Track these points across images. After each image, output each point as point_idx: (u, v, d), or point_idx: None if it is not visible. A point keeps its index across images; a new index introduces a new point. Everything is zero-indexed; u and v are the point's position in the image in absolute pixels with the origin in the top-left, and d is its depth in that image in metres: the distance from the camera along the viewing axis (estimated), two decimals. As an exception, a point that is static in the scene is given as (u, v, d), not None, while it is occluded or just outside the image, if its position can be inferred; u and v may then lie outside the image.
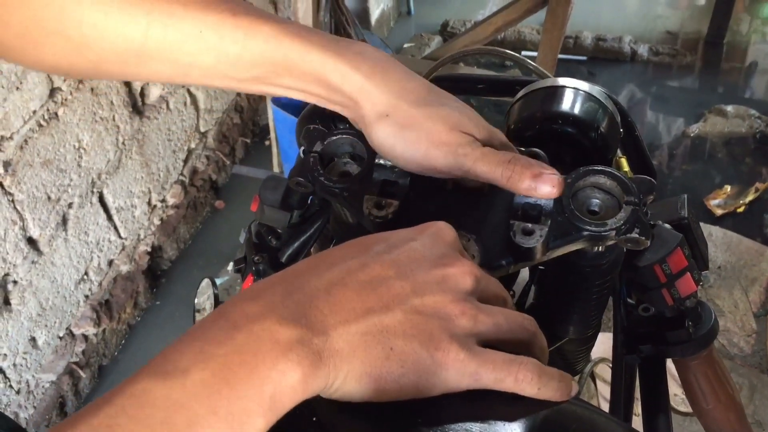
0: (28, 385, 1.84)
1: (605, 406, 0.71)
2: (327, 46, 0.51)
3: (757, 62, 3.61)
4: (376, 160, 0.54)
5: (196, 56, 0.52)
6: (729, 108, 3.10)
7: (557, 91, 0.62)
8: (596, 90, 0.63)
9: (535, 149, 0.53)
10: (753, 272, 2.22)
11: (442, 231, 0.43)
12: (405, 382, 0.36)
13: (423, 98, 0.51)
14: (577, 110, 0.61)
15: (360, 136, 0.55)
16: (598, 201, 0.51)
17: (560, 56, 2.42)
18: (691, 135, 3.04)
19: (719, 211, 2.57)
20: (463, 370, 0.37)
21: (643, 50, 3.61)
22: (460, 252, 0.43)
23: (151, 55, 0.52)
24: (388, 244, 0.41)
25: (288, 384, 0.33)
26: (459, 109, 0.52)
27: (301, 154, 0.56)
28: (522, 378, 0.37)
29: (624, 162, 0.69)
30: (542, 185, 0.48)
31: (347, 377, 0.35)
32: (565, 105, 0.61)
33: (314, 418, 0.35)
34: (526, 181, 0.48)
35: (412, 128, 0.50)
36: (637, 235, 0.47)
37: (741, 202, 2.60)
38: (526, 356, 0.39)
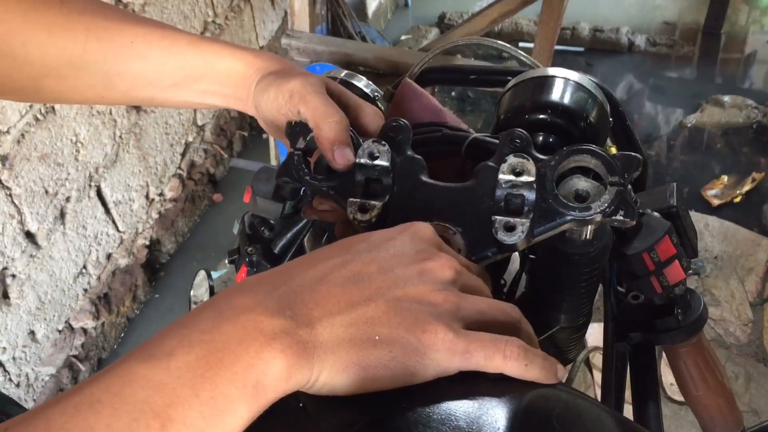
0: (28, 378, 1.85)
1: (600, 395, 0.71)
2: (243, 50, 0.57)
3: (755, 52, 3.60)
4: (358, 160, 0.54)
5: (126, 64, 0.57)
6: (726, 98, 3.10)
7: (546, 81, 0.62)
8: (586, 80, 0.63)
9: (518, 129, 0.53)
10: (749, 262, 2.23)
11: (420, 229, 0.44)
12: (395, 366, 0.36)
13: (288, 69, 0.57)
14: (566, 100, 0.61)
15: None
16: (584, 187, 0.51)
17: (557, 47, 2.42)
18: (689, 126, 3.04)
19: (716, 201, 2.58)
20: (453, 349, 0.37)
21: (640, 41, 3.61)
22: (439, 247, 0.43)
23: (86, 67, 0.57)
24: (370, 243, 0.42)
25: (272, 373, 0.34)
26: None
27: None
28: (509, 354, 0.37)
29: (614, 151, 0.70)
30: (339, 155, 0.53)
31: (333, 368, 0.36)
32: (554, 95, 0.61)
33: (300, 404, 0.36)
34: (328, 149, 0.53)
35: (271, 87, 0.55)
36: (621, 217, 0.48)
37: (738, 192, 2.60)
38: (512, 337, 0.39)
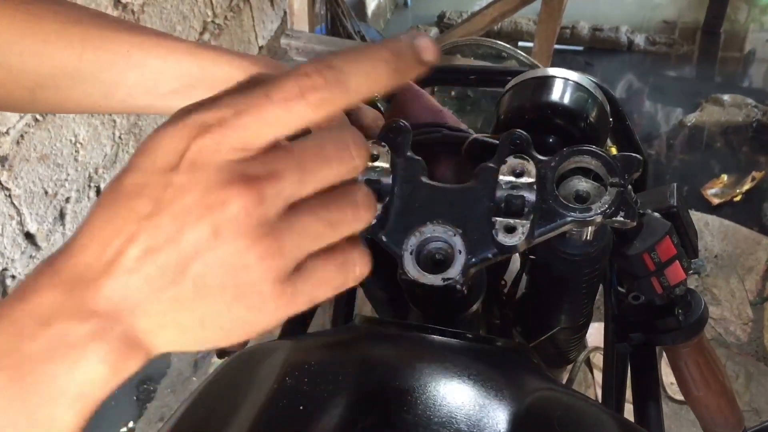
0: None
1: (601, 396, 0.71)
2: (241, 56, 0.57)
3: (754, 51, 3.60)
4: None
5: (123, 73, 0.56)
6: (726, 97, 3.10)
7: (546, 81, 0.62)
8: (585, 80, 0.63)
9: (518, 130, 0.53)
10: (749, 261, 2.23)
11: (163, 152, 0.32)
12: (230, 325, 0.33)
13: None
14: (566, 100, 0.61)
15: None
16: (584, 188, 0.51)
17: (557, 47, 2.42)
18: (688, 125, 3.04)
19: (716, 201, 2.58)
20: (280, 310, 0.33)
21: (640, 40, 3.61)
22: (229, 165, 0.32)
23: (83, 77, 0.56)
24: (151, 199, 0.32)
25: (96, 379, 0.31)
26: None
27: None
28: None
29: (614, 151, 0.70)
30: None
31: (171, 341, 0.32)
32: (554, 95, 0.61)
33: (301, 406, 0.36)
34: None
35: None
36: (622, 218, 0.48)
37: (738, 191, 2.60)
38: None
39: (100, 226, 0.32)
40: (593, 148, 0.50)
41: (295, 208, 0.32)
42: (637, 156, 0.49)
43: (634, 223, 0.48)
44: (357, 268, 0.34)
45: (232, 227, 0.31)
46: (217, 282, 0.32)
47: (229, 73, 0.57)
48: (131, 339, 0.32)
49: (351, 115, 0.58)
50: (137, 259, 0.31)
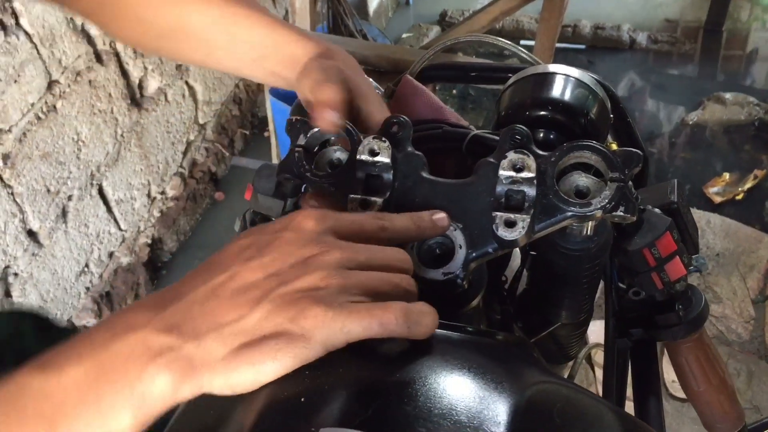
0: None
1: (602, 392, 0.71)
2: (306, 38, 0.62)
3: (757, 49, 3.60)
4: (358, 157, 0.54)
5: (217, 36, 0.65)
6: (728, 95, 3.09)
7: (547, 78, 0.62)
8: (586, 76, 0.63)
9: (518, 125, 0.53)
10: (751, 259, 2.22)
11: (301, 222, 0.44)
12: (283, 356, 0.38)
13: (325, 53, 0.62)
14: (566, 96, 0.61)
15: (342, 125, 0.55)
16: (585, 183, 0.51)
17: (558, 45, 2.42)
18: (690, 123, 3.04)
19: (718, 199, 2.57)
20: (332, 327, 0.38)
21: (642, 38, 3.60)
22: (325, 234, 0.44)
23: (190, 34, 0.66)
24: (257, 247, 0.43)
25: (158, 387, 0.37)
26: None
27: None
28: (387, 322, 0.39)
29: (614, 147, 0.70)
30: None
31: (225, 374, 0.38)
32: (555, 91, 0.61)
33: (302, 399, 0.36)
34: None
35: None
36: (622, 213, 0.48)
37: (740, 189, 2.60)
38: (392, 301, 0.40)
39: (206, 269, 0.42)
40: (593, 143, 0.50)
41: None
42: (637, 151, 0.49)
43: (634, 218, 0.48)
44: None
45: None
46: (285, 302, 0.39)
47: (294, 51, 0.62)
48: (197, 360, 0.37)
49: (359, 116, 0.59)
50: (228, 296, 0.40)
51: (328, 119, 0.54)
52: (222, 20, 0.64)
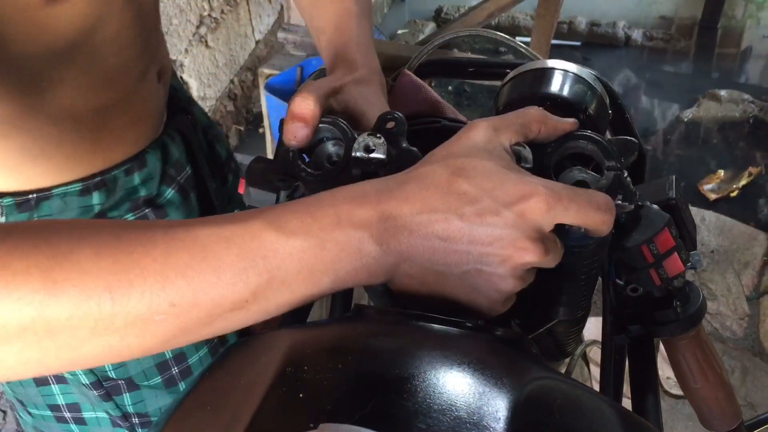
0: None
1: (598, 389, 0.71)
2: (359, 55, 0.68)
3: (751, 47, 3.61)
4: (354, 154, 0.53)
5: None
6: (723, 93, 3.10)
7: (546, 73, 0.62)
8: (585, 72, 0.63)
9: (518, 146, 0.53)
10: (746, 256, 2.23)
11: (532, 208, 0.44)
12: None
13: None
14: (565, 92, 0.61)
15: (335, 123, 0.55)
16: (584, 178, 0.51)
17: (554, 42, 2.42)
18: (685, 120, 3.04)
19: (713, 196, 2.58)
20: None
21: (637, 35, 3.61)
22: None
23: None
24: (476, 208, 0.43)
25: (359, 279, 0.43)
26: None
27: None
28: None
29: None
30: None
31: (407, 283, 0.44)
32: (554, 87, 0.61)
33: (300, 395, 0.36)
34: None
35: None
36: (620, 201, 0.48)
37: (734, 186, 2.61)
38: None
39: (426, 198, 0.43)
40: (589, 132, 0.50)
41: None
42: (633, 139, 0.49)
43: (632, 207, 0.48)
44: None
45: (517, 266, 0.44)
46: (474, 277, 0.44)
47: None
48: (385, 252, 0.42)
49: (361, 121, 0.59)
50: (436, 236, 0.42)
51: (290, 130, 0.54)
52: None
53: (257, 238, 0.41)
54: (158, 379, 0.82)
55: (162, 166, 0.75)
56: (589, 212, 0.43)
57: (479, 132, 0.47)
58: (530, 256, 0.43)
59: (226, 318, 0.41)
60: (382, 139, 0.53)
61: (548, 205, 0.42)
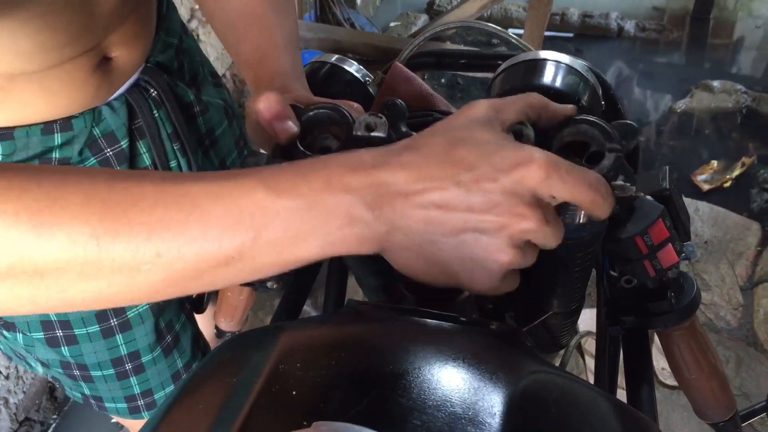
0: (17, 371, 1.84)
1: (593, 380, 0.71)
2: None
3: (743, 37, 3.61)
4: (355, 133, 0.53)
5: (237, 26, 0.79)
6: (715, 83, 3.10)
7: (538, 64, 0.62)
8: (577, 63, 0.63)
9: (520, 125, 0.53)
10: (739, 246, 2.24)
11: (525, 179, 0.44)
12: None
13: None
14: (558, 83, 0.61)
15: (336, 110, 0.54)
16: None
17: (547, 33, 2.42)
18: (678, 111, 3.05)
19: (706, 187, 2.58)
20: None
21: (629, 26, 3.61)
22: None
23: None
24: (469, 182, 0.43)
25: (346, 245, 0.43)
26: None
27: None
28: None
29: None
30: None
31: (398, 256, 0.44)
32: (546, 78, 0.61)
33: (294, 392, 0.35)
34: None
35: None
36: (622, 182, 0.48)
37: (728, 177, 2.61)
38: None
39: (423, 166, 0.42)
40: (590, 117, 0.50)
41: None
42: (632, 123, 0.49)
43: (634, 188, 0.48)
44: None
45: (515, 234, 0.43)
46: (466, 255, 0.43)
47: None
48: (377, 219, 0.42)
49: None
50: (433, 204, 0.42)
51: (278, 131, 0.55)
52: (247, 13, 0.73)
53: (246, 196, 0.41)
54: (96, 328, 0.83)
55: (90, 133, 0.73)
56: (583, 188, 0.43)
57: (480, 109, 0.47)
58: (527, 222, 0.42)
59: (213, 273, 0.42)
60: (384, 119, 0.53)
61: (546, 172, 0.42)
